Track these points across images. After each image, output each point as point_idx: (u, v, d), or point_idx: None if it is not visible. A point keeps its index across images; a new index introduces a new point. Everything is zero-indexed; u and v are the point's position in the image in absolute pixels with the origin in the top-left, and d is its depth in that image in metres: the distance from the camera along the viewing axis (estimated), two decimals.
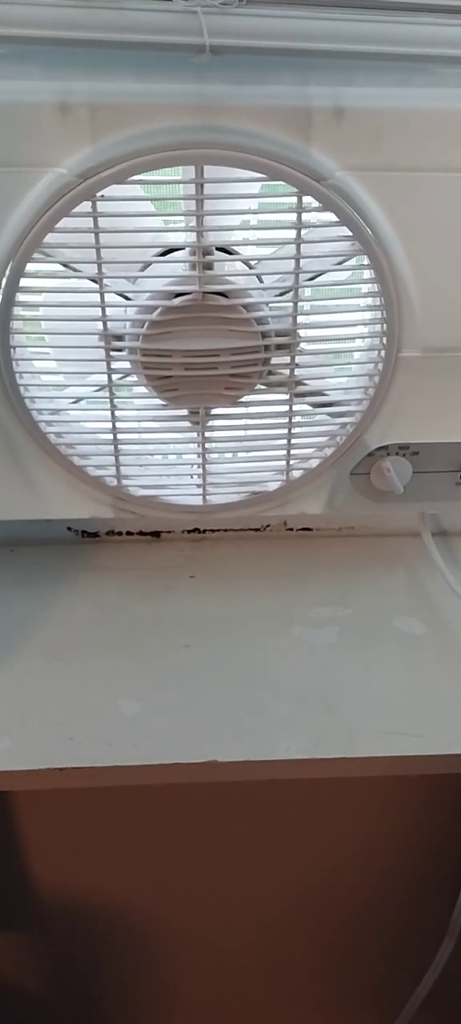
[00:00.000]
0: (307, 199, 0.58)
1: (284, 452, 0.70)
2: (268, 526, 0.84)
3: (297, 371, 0.66)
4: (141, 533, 0.83)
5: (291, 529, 0.85)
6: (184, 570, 0.82)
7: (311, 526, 0.85)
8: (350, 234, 0.59)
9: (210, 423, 0.69)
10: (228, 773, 0.68)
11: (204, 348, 0.63)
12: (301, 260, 0.60)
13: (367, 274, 0.62)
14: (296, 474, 0.72)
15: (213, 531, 0.84)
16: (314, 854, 0.78)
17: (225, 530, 0.83)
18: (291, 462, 0.71)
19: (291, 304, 0.63)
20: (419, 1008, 0.82)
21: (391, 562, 0.84)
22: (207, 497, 0.72)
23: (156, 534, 0.84)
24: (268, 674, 0.74)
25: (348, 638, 0.77)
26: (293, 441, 0.70)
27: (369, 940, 0.86)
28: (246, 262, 0.63)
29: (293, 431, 0.69)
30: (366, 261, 0.61)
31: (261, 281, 0.63)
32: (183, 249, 0.61)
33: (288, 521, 0.84)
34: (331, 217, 0.59)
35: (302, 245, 0.60)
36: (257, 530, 0.84)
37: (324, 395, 0.68)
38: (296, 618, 0.79)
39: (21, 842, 0.78)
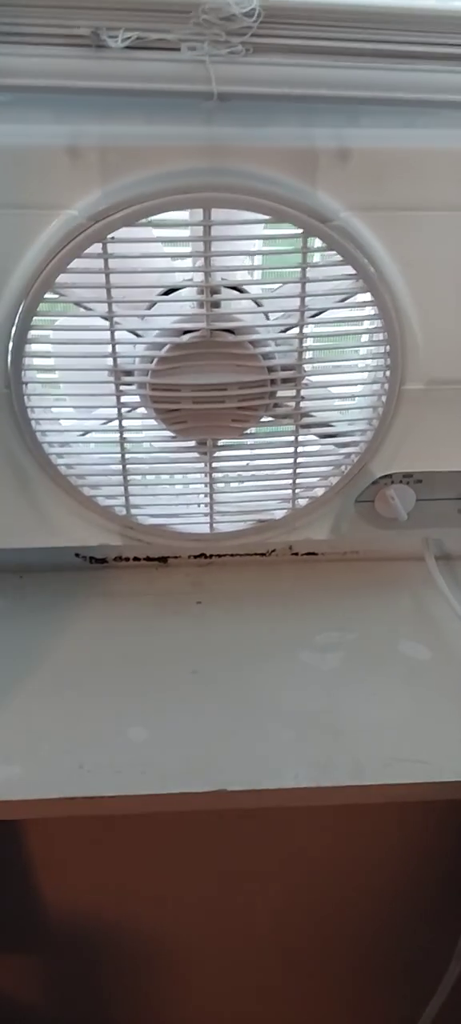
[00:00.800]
0: (311, 239, 0.59)
1: (290, 482, 0.71)
2: (274, 551, 0.85)
3: (302, 404, 0.67)
4: (148, 559, 0.84)
5: (296, 554, 0.86)
6: (191, 596, 0.83)
7: (316, 551, 0.86)
8: (354, 272, 0.61)
9: (217, 454, 0.70)
10: (236, 801, 0.69)
11: (212, 383, 0.64)
12: (306, 298, 0.61)
13: (371, 310, 0.63)
14: (302, 502, 0.73)
15: (219, 556, 0.85)
16: (320, 877, 0.79)
17: (231, 555, 0.84)
18: (297, 491, 0.72)
19: (297, 340, 0.64)
20: None
21: (396, 586, 0.85)
22: (214, 525, 0.74)
23: (163, 559, 0.85)
24: (275, 700, 0.75)
25: (354, 663, 0.78)
26: (299, 471, 0.71)
27: (376, 963, 0.86)
28: (253, 299, 0.64)
29: (299, 461, 0.70)
30: (370, 298, 0.62)
31: (267, 318, 0.64)
32: (191, 288, 0.62)
33: (294, 546, 0.85)
34: (336, 256, 0.60)
35: (307, 283, 0.61)
36: (263, 555, 0.85)
37: (329, 426, 0.70)
38: (303, 643, 0.79)
39: (29, 866, 0.79)
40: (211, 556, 0.85)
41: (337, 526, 0.76)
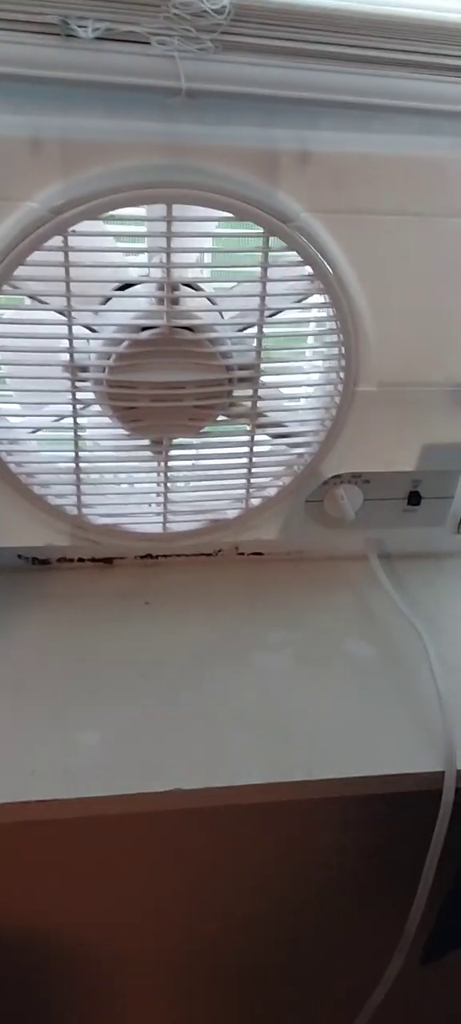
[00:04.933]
0: (272, 238, 0.60)
1: (244, 481, 0.72)
2: (220, 550, 0.85)
3: (258, 403, 0.67)
4: (93, 560, 0.83)
5: (242, 553, 0.86)
6: (138, 597, 0.82)
7: (262, 550, 0.86)
8: (312, 273, 0.61)
9: (172, 452, 0.70)
10: (192, 801, 0.68)
11: (171, 380, 0.64)
12: (265, 297, 0.62)
13: (327, 311, 0.64)
14: (255, 502, 0.74)
15: (165, 556, 0.84)
16: (267, 872, 0.79)
17: (178, 555, 0.84)
18: (250, 491, 0.73)
19: (255, 339, 0.64)
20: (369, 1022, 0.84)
21: (340, 585, 0.86)
22: (167, 525, 0.73)
23: (108, 560, 0.83)
24: (225, 700, 0.75)
25: (302, 662, 0.79)
26: (253, 471, 0.71)
27: (322, 957, 0.87)
28: (212, 298, 0.64)
29: (253, 461, 0.71)
30: (326, 299, 0.63)
31: (222, 316, 0.65)
32: (151, 284, 0.62)
33: (240, 545, 0.85)
34: (295, 256, 0.61)
35: (267, 283, 0.61)
36: (209, 555, 0.85)
37: (283, 426, 0.70)
38: (251, 643, 0.80)
39: None
40: (157, 556, 0.84)
41: (287, 526, 0.77)
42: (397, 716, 0.76)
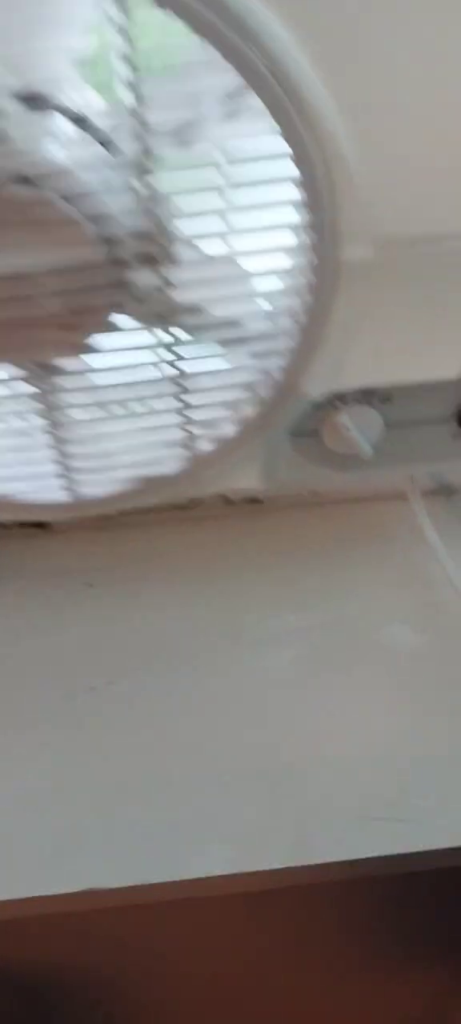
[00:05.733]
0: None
1: (176, 418, 0.46)
2: (198, 501, 0.60)
3: (175, 294, 0.41)
4: (22, 525, 0.60)
5: (232, 503, 0.61)
6: (78, 576, 0.59)
7: (260, 496, 0.61)
8: (234, 67, 0.33)
9: (58, 379, 0.44)
10: (113, 900, 0.46)
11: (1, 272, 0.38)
12: (158, 110, 0.34)
13: (267, 124, 0.36)
14: (204, 447, 0.48)
15: (122, 514, 0.60)
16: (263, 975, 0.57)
17: (136, 512, 0.59)
18: (193, 431, 0.47)
19: (152, 189, 0.37)
20: None
21: (371, 540, 0.61)
22: (75, 489, 0.49)
23: (40, 525, 0.60)
24: (195, 730, 0.53)
25: (315, 661, 0.56)
26: (188, 400, 0.45)
27: None
28: (66, 116, 0.37)
29: (184, 385, 0.44)
30: (262, 106, 0.35)
31: (107, 148, 0.38)
32: None
33: (227, 492, 0.60)
34: (189, 36, 0.33)
35: (160, 86, 0.34)
36: (183, 508, 0.60)
37: (227, 328, 0.43)
38: (239, 637, 0.56)
39: None
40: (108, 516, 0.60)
41: (269, 471, 0.51)
42: (453, 744, 0.50)
